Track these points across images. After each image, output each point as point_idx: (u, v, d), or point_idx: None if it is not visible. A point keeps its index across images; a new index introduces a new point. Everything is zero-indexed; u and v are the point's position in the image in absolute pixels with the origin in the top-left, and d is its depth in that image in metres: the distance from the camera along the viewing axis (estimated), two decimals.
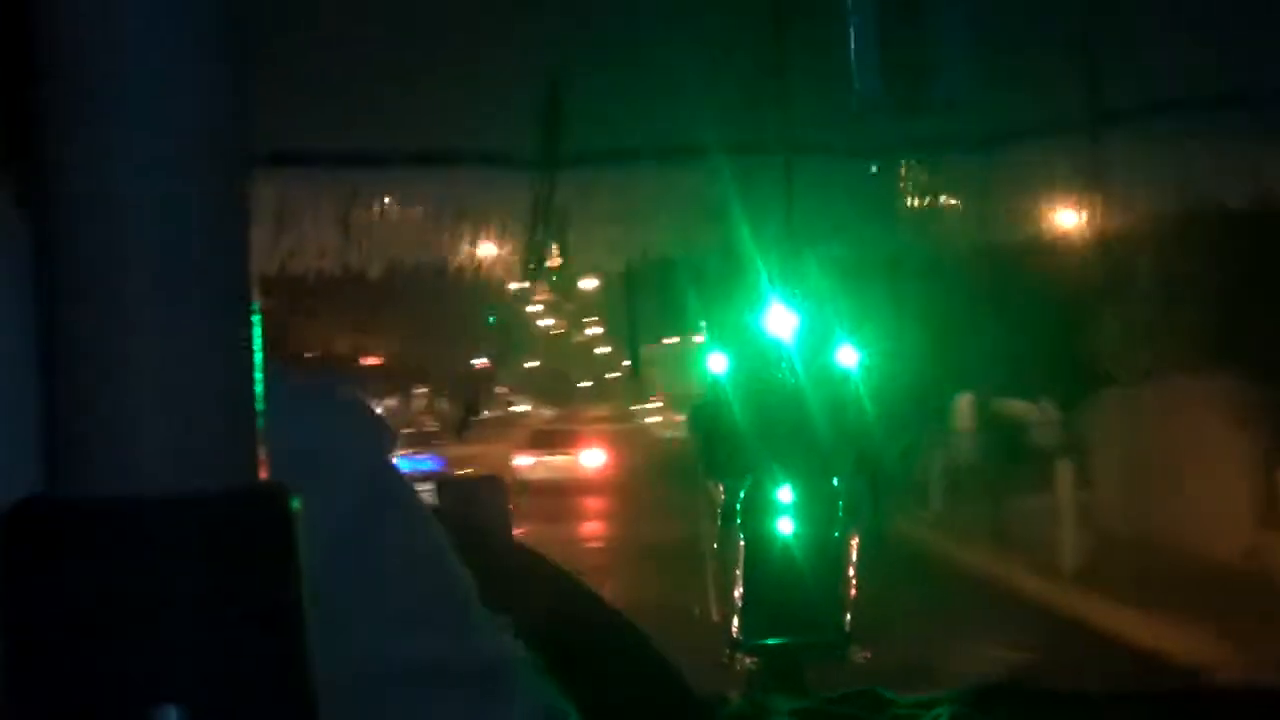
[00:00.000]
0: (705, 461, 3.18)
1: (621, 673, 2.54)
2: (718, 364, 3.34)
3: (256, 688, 0.67)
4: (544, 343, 61.98)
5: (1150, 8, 2.92)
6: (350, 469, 1.04)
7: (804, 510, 3.12)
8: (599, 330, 60.14)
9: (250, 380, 0.68)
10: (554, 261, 2.96)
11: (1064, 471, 17.27)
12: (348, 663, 0.95)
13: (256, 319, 0.69)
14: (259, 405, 0.69)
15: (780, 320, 3.10)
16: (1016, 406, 24.00)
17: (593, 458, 36.70)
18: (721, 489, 3.20)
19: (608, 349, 58.18)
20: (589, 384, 63.15)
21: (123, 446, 0.66)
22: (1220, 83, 2.95)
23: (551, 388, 60.07)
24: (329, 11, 2.81)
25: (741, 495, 3.14)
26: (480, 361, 41.55)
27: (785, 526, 3.12)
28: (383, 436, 1.12)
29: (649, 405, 51.53)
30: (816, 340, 3.17)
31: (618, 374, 55.94)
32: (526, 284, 3.35)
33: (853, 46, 2.78)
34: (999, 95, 2.84)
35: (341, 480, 1.02)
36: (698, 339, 3.93)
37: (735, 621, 3.14)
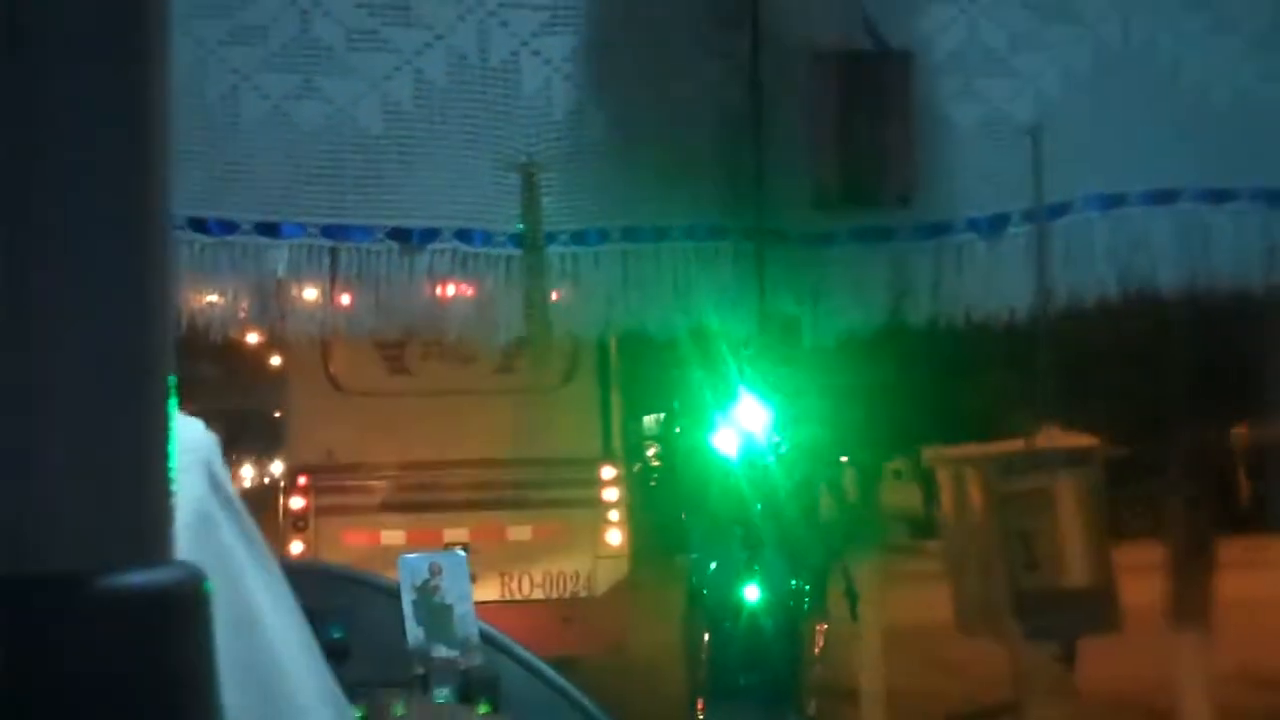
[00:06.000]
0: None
1: None
2: (689, 445, 3.34)
3: None
4: None
5: (1095, 103, 3.07)
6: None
7: (769, 594, 3.11)
8: None
9: (164, 454, 0.69)
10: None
11: None
12: None
13: (173, 391, 0.69)
14: (173, 480, 0.69)
15: (749, 407, 3.11)
16: None
17: None
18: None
19: None
20: None
21: (33, 521, 0.64)
22: (1156, 179, 3.12)
23: None
24: (323, 108, 2.88)
25: (708, 577, 3.14)
26: None
27: (750, 610, 3.11)
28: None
29: None
30: (785, 426, 3.18)
31: None
32: None
33: (812, 142, 2.90)
34: (947, 189, 3.00)
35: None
36: None
37: (699, 704, 3.13)
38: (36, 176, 0.69)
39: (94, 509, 0.69)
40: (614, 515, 9.52)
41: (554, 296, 2.99)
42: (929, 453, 3.92)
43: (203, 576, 0.69)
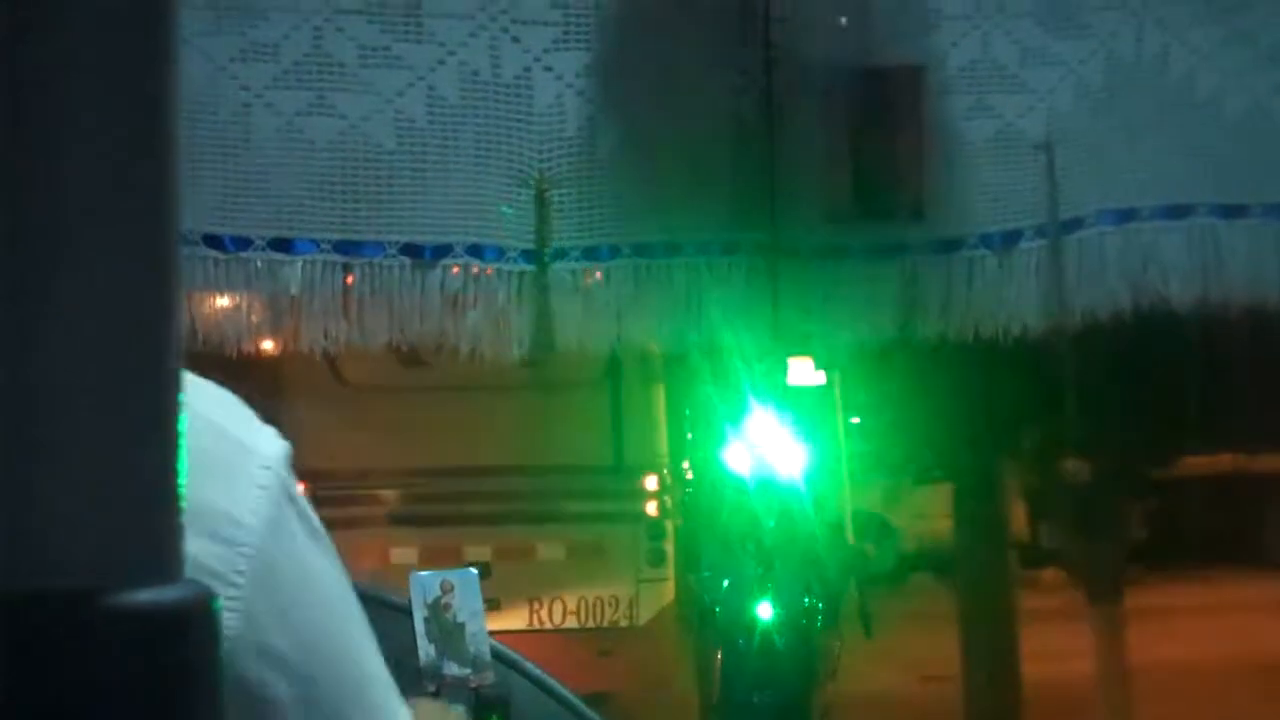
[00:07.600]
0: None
1: None
2: (701, 461, 3.35)
3: None
4: None
5: (1107, 121, 3.08)
6: None
7: (781, 613, 3.10)
8: None
9: (174, 469, 0.67)
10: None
11: None
12: None
13: (183, 406, 0.68)
14: (182, 496, 0.68)
15: (764, 421, 3.11)
16: None
17: None
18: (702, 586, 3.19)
19: None
20: None
21: (36, 537, 0.63)
22: (1170, 194, 3.13)
23: None
24: (335, 124, 2.90)
25: (721, 596, 3.13)
26: None
27: (763, 630, 3.10)
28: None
29: None
30: (801, 442, 3.18)
31: None
32: None
33: (825, 157, 2.92)
34: (960, 204, 3.02)
35: None
36: None
37: None
38: (41, 190, 0.68)
39: (100, 525, 0.68)
40: (659, 532, 7.97)
41: (566, 312, 2.99)
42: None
43: (212, 594, 0.68)
